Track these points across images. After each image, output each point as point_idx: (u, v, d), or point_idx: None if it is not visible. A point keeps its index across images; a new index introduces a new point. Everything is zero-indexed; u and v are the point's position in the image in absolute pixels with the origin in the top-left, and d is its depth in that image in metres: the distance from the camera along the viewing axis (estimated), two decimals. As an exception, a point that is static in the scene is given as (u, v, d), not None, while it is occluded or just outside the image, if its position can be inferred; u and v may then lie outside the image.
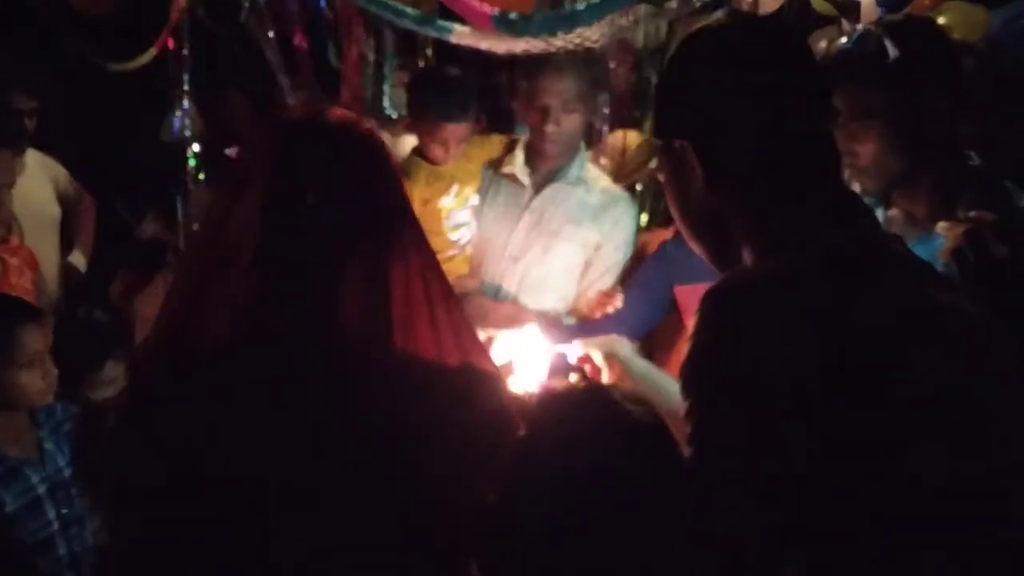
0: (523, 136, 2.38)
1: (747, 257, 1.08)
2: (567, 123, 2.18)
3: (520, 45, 1.66)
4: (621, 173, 1.24)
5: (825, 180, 1.07)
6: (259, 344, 0.99)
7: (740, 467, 0.91)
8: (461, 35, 1.66)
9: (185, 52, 2.61)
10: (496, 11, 1.58)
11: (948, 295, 1.03)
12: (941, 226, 1.44)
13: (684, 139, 1.07)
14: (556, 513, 0.96)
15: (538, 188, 2.32)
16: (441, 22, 1.69)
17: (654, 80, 2.88)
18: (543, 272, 2.32)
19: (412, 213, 1.12)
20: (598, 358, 1.61)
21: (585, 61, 2.11)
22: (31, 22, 2.91)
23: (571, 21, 1.53)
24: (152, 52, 2.94)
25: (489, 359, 1.20)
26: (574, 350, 1.72)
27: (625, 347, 1.65)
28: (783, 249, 1.02)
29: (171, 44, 2.89)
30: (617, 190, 2.34)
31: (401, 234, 1.07)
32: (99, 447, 1.21)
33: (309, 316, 1.00)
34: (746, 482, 0.91)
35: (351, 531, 0.98)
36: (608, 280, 2.30)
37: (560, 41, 1.62)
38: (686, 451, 0.98)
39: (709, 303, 0.98)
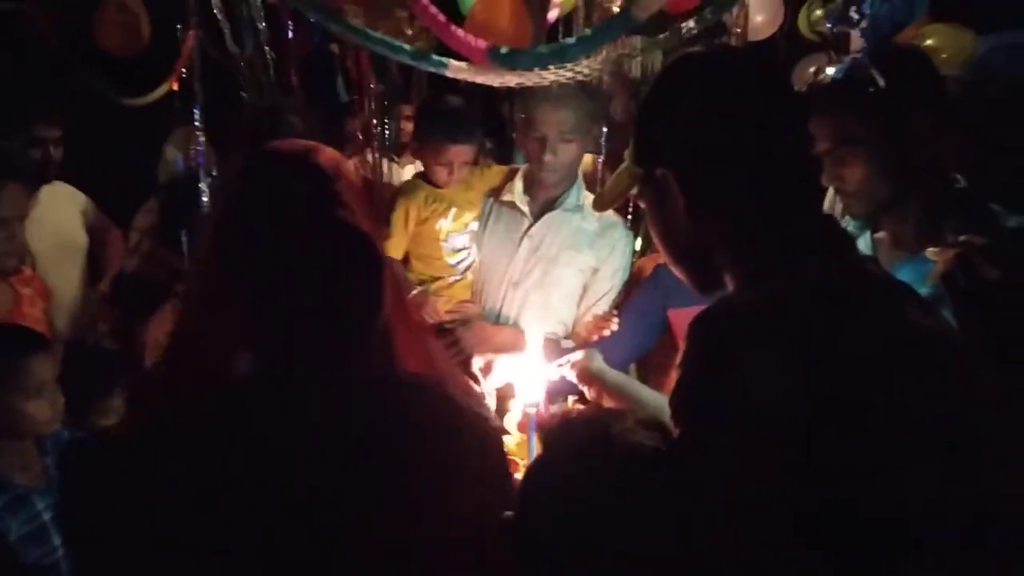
0: (522, 166, 2.40)
1: (729, 282, 1.08)
2: (564, 153, 2.20)
3: (514, 78, 1.68)
4: (601, 200, 1.24)
5: (805, 207, 1.06)
6: (256, 384, 0.96)
7: (731, 494, 0.90)
8: (457, 70, 1.68)
9: (196, 87, 2.63)
10: (490, 46, 1.60)
11: (935, 321, 1.02)
12: (931, 251, 1.43)
13: (665, 168, 1.06)
14: (564, 543, 0.95)
15: (537, 216, 2.34)
16: (436, 57, 1.72)
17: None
18: (543, 297, 2.33)
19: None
20: (573, 377, 1.61)
21: (583, 93, 2.14)
22: (46, 56, 2.95)
23: (562, 55, 1.54)
24: (166, 87, 2.98)
25: (465, 380, 1.19)
26: (552, 373, 1.72)
27: (596, 360, 1.66)
28: (767, 276, 1.01)
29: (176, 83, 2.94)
30: (613, 217, 2.36)
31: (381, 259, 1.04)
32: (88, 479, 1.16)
33: (307, 352, 0.97)
34: (736, 508, 0.89)
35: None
36: (605, 304, 2.31)
37: (552, 75, 1.64)
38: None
39: (697, 332, 0.97)
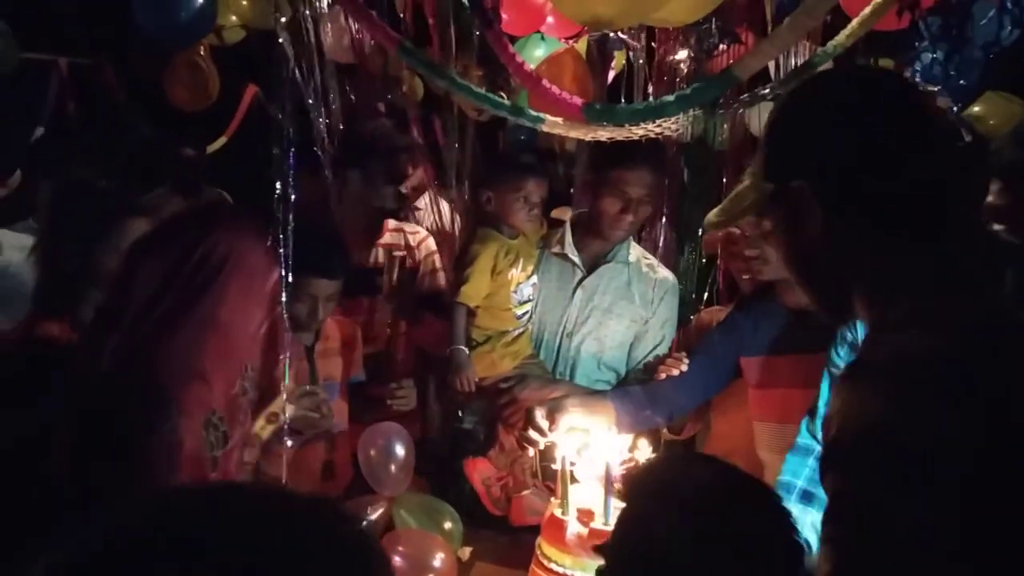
0: (567, 217, 2.38)
1: (859, 306, 1.02)
2: (642, 213, 2.18)
3: (606, 133, 1.69)
4: (724, 218, 1.16)
5: (954, 233, 0.98)
6: None
7: (907, 547, 0.83)
8: (552, 124, 1.68)
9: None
10: (585, 103, 1.61)
11: None
12: None
13: (802, 179, 0.99)
14: None
15: (588, 267, 2.30)
16: (533, 112, 1.72)
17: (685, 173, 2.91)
18: (596, 347, 2.29)
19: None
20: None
21: (657, 151, 2.12)
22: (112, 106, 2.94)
23: (658, 112, 1.55)
24: (222, 140, 2.98)
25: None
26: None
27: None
28: (915, 321, 0.94)
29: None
30: (663, 271, 2.35)
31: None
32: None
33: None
34: (913, 561, 0.83)
35: None
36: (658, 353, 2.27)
37: (642, 130, 1.65)
38: (836, 530, 0.90)
39: (860, 381, 0.91)
